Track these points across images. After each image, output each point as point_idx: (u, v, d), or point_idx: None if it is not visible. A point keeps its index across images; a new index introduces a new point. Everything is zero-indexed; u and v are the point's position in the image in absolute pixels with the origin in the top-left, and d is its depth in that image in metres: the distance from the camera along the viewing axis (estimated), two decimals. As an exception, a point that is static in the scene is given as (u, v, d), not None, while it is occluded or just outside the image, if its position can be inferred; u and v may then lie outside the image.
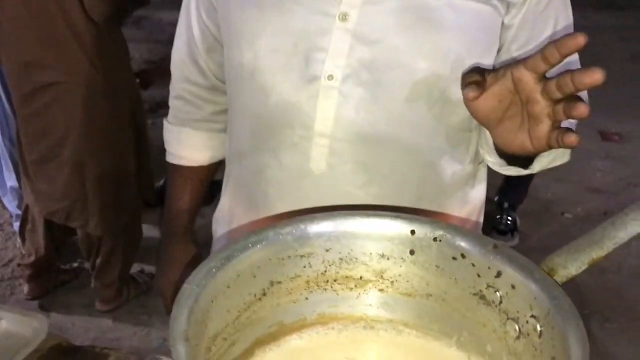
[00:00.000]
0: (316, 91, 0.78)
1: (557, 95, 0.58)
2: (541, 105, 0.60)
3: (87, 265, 2.36)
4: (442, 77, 0.76)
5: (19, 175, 2.31)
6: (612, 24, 6.07)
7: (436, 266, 0.62)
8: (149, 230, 2.50)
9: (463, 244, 0.60)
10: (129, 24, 5.77)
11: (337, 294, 0.66)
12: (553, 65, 0.58)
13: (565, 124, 0.80)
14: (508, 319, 0.57)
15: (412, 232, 0.62)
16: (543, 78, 0.60)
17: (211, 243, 1.03)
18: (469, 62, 0.76)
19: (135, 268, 2.45)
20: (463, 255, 0.60)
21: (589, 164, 3.46)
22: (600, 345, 2.19)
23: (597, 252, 0.57)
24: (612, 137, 3.78)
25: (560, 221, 2.93)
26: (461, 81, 0.72)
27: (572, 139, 0.59)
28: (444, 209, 0.86)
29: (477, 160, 0.88)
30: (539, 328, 0.54)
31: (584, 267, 0.57)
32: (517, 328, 0.57)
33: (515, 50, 0.80)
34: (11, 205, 2.54)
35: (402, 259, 0.63)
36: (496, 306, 0.58)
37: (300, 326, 0.65)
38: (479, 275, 0.59)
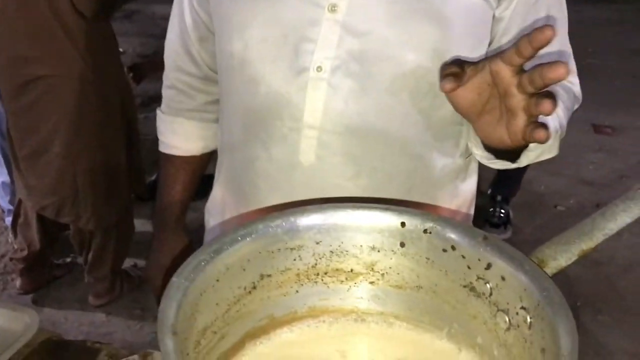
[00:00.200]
0: (305, 83, 0.77)
1: (530, 89, 0.58)
2: (517, 99, 0.60)
3: (80, 260, 2.36)
4: (431, 70, 0.76)
5: (11, 170, 2.30)
6: (606, 18, 6.08)
7: (426, 258, 0.62)
8: (142, 225, 2.49)
9: (453, 235, 0.60)
10: (122, 17, 5.75)
11: (328, 286, 0.65)
12: (527, 59, 0.58)
13: (561, 119, 0.80)
14: (498, 310, 0.57)
15: (403, 224, 0.62)
16: (520, 71, 0.60)
17: (203, 235, 1.03)
18: (458, 55, 0.76)
19: (128, 263, 2.44)
20: (453, 247, 0.60)
21: (582, 157, 3.47)
22: (593, 337, 2.21)
23: (587, 244, 0.57)
24: (605, 130, 3.80)
25: (553, 214, 2.94)
26: (439, 73, 0.72)
27: (540, 134, 0.59)
28: (434, 201, 0.86)
29: (468, 153, 0.88)
30: (529, 319, 0.54)
31: (574, 259, 0.57)
32: (507, 320, 0.56)
33: (506, 44, 0.80)
34: (3, 200, 2.53)
35: (392, 251, 0.63)
36: (486, 298, 0.58)
37: (291, 319, 0.65)
38: (469, 267, 0.59)
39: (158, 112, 1.02)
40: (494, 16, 0.78)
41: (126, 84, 2.20)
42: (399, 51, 0.75)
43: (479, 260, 0.58)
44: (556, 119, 0.76)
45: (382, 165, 0.81)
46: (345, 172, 0.81)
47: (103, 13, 1.97)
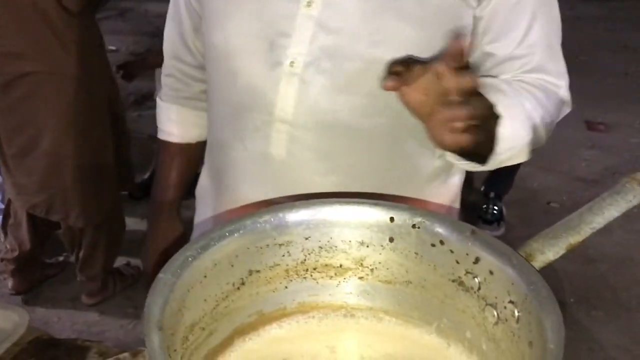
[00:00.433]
0: (279, 77, 0.78)
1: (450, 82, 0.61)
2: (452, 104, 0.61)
3: (72, 258, 2.35)
4: None
5: (-1, 170, 2.29)
6: (599, 14, 6.10)
7: (415, 253, 0.62)
8: (135, 224, 2.48)
9: (441, 230, 0.60)
10: (115, 15, 5.74)
11: (317, 282, 0.65)
12: (460, 64, 0.60)
13: (553, 116, 0.80)
14: (487, 305, 0.57)
15: (391, 219, 0.62)
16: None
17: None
18: (431, 54, 0.76)
19: (121, 261, 2.43)
20: (442, 242, 0.60)
21: (575, 154, 3.48)
22: (586, 332, 2.21)
23: (575, 238, 0.57)
24: (598, 127, 3.80)
25: (546, 210, 2.94)
26: (385, 70, 0.72)
27: (458, 139, 0.62)
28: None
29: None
30: (516, 313, 0.54)
31: (561, 252, 0.57)
32: (495, 314, 0.57)
33: (486, 44, 0.79)
34: (-6, 199, 2.52)
35: (381, 246, 0.63)
36: (475, 292, 0.58)
37: (280, 315, 0.65)
38: (457, 262, 0.59)
39: (157, 99, 1.05)
40: (475, 16, 0.78)
41: (113, 81, 2.19)
42: (371, 49, 0.75)
43: (467, 254, 0.58)
44: (524, 125, 0.76)
45: (353, 162, 0.82)
46: (316, 168, 0.82)
47: (89, 9, 1.96)
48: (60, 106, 1.97)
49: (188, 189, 1.07)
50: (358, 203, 0.63)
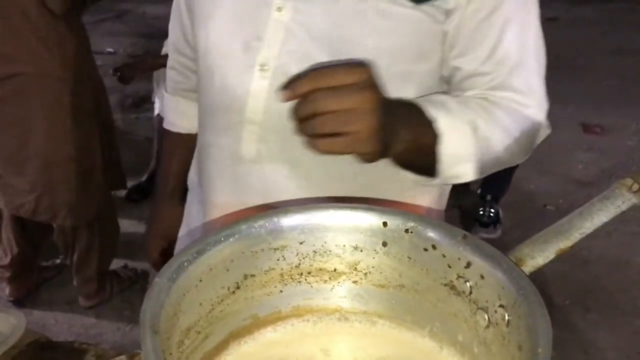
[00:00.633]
0: (250, 79, 0.80)
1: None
2: None
3: (68, 261, 2.35)
4: None
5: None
6: (595, 17, 6.12)
7: (408, 257, 0.63)
8: (133, 226, 2.49)
9: (434, 235, 0.61)
10: (112, 18, 5.75)
11: (312, 286, 0.66)
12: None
13: (518, 136, 0.79)
14: (478, 308, 0.58)
15: (385, 224, 0.63)
16: None
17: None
18: (394, 68, 0.77)
19: (118, 264, 2.44)
20: (434, 247, 0.61)
21: (571, 156, 3.50)
22: (582, 335, 2.22)
23: (565, 242, 0.58)
24: (594, 130, 3.82)
25: (543, 213, 2.95)
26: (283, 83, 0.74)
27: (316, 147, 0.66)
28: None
29: None
30: (506, 317, 0.54)
31: (551, 257, 0.58)
32: (486, 317, 0.57)
33: (453, 58, 0.79)
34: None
35: (374, 250, 0.64)
36: (466, 296, 0.59)
37: (275, 319, 0.65)
38: (449, 266, 0.60)
39: (163, 90, 1.11)
40: (443, 30, 0.78)
41: (99, 81, 2.19)
42: (336, 58, 0.76)
43: (459, 259, 0.59)
44: (470, 143, 0.76)
45: (319, 168, 0.83)
46: (284, 172, 0.84)
47: (73, 10, 1.96)
48: (47, 107, 1.98)
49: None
50: (352, 208, 0.64)
